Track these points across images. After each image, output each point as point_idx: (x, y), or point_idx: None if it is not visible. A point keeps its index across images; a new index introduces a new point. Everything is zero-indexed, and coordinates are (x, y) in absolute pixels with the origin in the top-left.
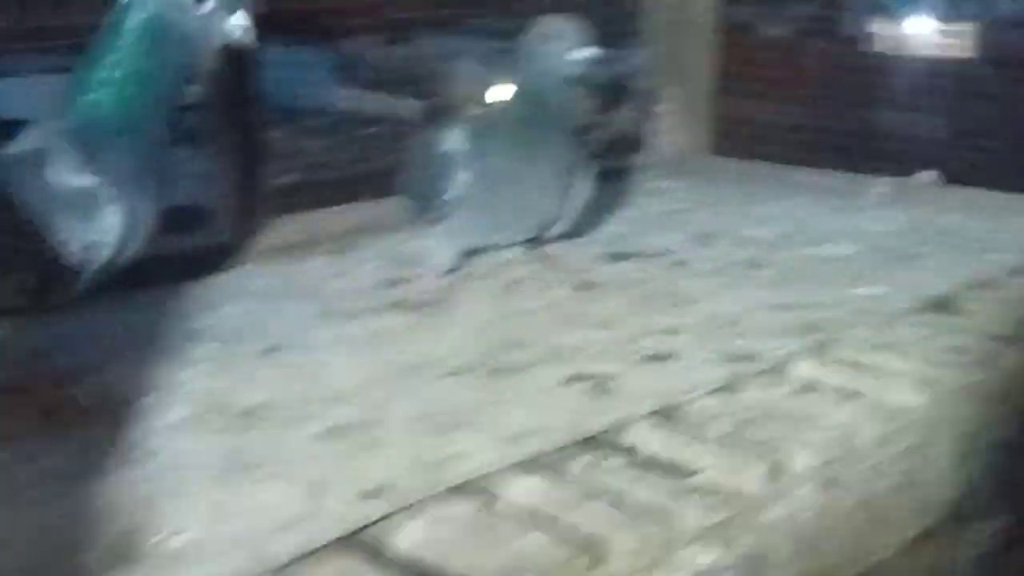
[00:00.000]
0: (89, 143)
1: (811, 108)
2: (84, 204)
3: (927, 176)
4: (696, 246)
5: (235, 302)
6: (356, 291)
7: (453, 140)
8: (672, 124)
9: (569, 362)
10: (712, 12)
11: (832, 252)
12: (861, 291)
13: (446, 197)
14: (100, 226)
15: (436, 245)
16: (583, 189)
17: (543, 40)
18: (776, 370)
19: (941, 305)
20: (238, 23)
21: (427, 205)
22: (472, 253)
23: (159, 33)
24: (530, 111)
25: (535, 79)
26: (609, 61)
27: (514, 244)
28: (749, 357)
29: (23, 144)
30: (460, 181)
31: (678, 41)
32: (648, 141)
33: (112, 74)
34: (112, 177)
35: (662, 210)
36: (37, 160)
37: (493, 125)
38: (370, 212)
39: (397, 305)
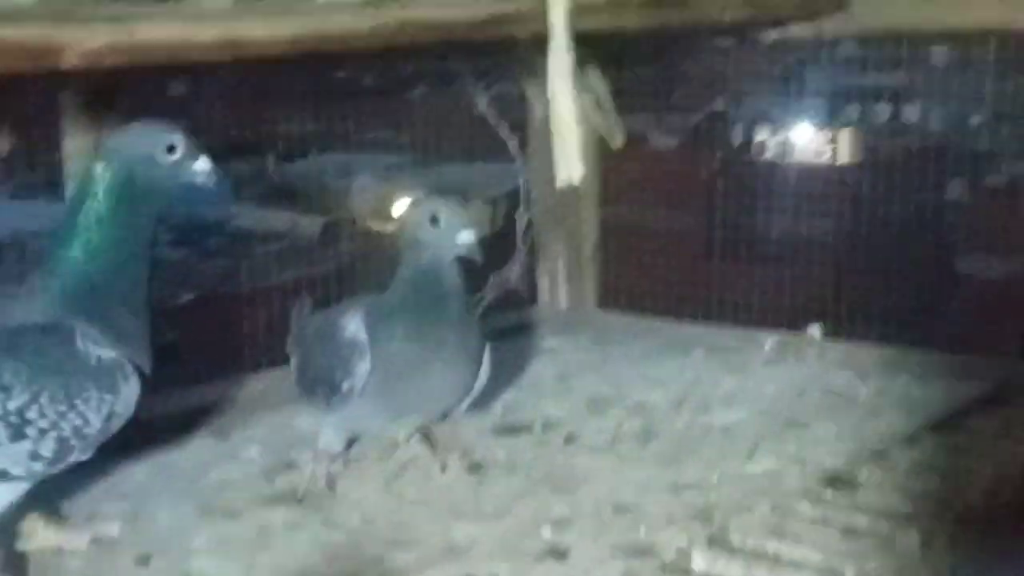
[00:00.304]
0: (94, 313)
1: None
2: (108, 378)
3: (812, 330)
4: (588, 415)
5: (107, 499)
6: (239, 482)
7: (351, 328)
8: (557, 278)
9: (460, 562)
10: (597, 179)
11: (724, 419)
12: (755, 467)
13: (345, 387)
14: (122, 399)
15: (327, 431)
16: (485, 369)
17: (429, 222)
18: (674, 566)
19: (835, 481)
20: (202, 168)
21: (323, 393)
22: (363, 434)
23: (136, 192)
24: (424, 294)
25: (425, 262)
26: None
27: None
28: (646, 551)
29: (30, 314)
30: (360, 371)
31: (562, 196)
32: (533, 296)
33: (100, 241)
34: (124, 346)
35: (552, 374)
36: (54, 332)
37: (390, 310)
38: (255, 384)
39: (282, 498)
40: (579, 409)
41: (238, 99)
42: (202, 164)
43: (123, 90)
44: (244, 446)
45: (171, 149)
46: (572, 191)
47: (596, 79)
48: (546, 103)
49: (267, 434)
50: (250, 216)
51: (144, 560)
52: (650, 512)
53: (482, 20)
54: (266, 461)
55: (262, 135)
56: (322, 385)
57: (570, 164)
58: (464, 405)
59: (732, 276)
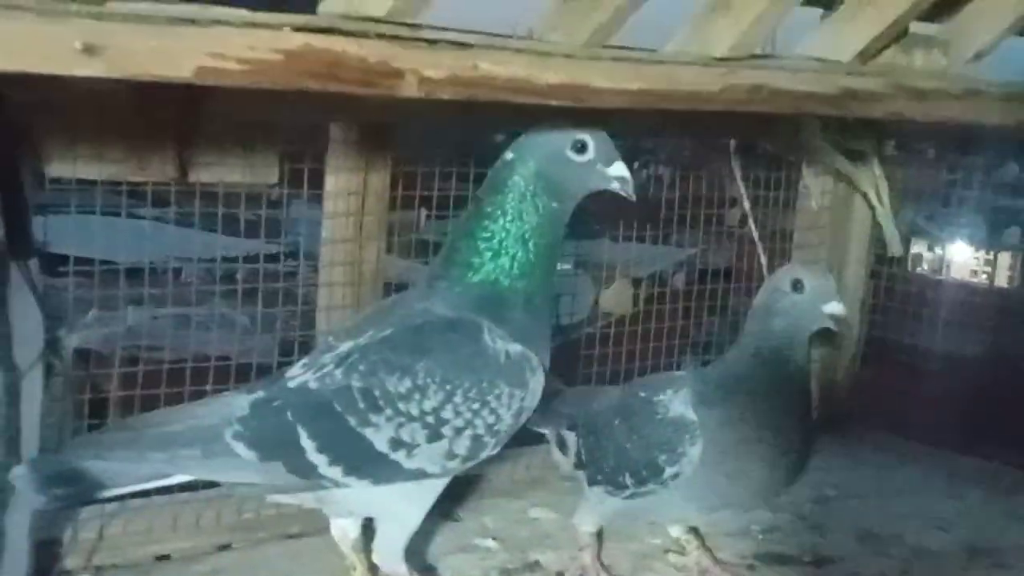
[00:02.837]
0: (496, 308)
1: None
2: (517, 372)
3: None
4: (865, 554)
5: None
6: None
7: (677, 406)
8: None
9: None
10: (865, 268)
11: None
12: None
13: (669, 473)
14: (530, 392)
15: (592, 516)
16: (806, 461)
17: (791, 288)
18: None
19: None
20: (617, 173)
21: (632, 479)
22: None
23: (545, 188)
24: (770, 370)
25: (779, 334)
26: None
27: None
28: None
29: (431, 309)
30: (691, 455)
31: None
32: None
33: (506, 235)
34: (529, 341)
35: (811, 496)
36: (462, 327)
37: (725, 387)
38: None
39: None
40: (851, 543)
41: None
42: (617, 169)
43: (393, 130)
44: (479, 535)
45: (582, 148)
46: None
47: (880, 175)
48: (822, 195)
49: (503, 525)
50: (394, 266)
51: None
52: None
53: (835, 95)
54: (505, 556)
55: (419, 188)
56: (632, 470)
57: None
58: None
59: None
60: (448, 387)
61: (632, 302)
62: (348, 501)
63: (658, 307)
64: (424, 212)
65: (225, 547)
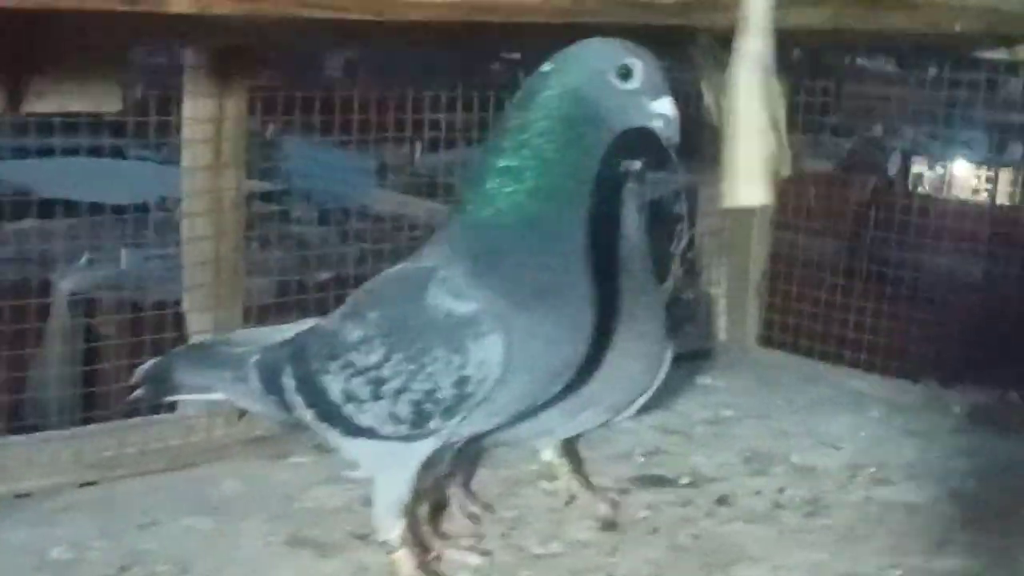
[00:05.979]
0: (483, 251)
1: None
2: (455, 336)
3: (1012, 396)
4: (745, 474)
5: (191, 512)
6: (337, 510)
7: None
8: (717, 307)
9: None
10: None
11: (906, 496)
12: (947, 562)
13: None
14: (473, 361)
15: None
16: (665, 366)
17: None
18: None
19: None
20: (661, 110)
21: None
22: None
23: (577, 111)
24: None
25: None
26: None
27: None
28: None
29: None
30: None
31: (732, 216)
32: (691, 324)
33: (525, 162)
34: (508, 296)
35: (704, 417)
36: (410, 278)
37: None
38: None
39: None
40: (734, 464)
41: (389, 81)
42: (662, 105)
43: (251, 53)
44: (347, 467)
45: (626, 74)
46: (746, 211)
47: (776, 93)
48: (722, 109)
49: None
50: (390, 202)
51: None
52: None
53: (678, 2)
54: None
55: (411, 122)
56: None
57: (749, 181)
58: (631, 410)
59: (911, 324)
60: (388, 344)
61: None
62: (342, 450)
63: None
64: (419, 145)
65: (87, 484)
